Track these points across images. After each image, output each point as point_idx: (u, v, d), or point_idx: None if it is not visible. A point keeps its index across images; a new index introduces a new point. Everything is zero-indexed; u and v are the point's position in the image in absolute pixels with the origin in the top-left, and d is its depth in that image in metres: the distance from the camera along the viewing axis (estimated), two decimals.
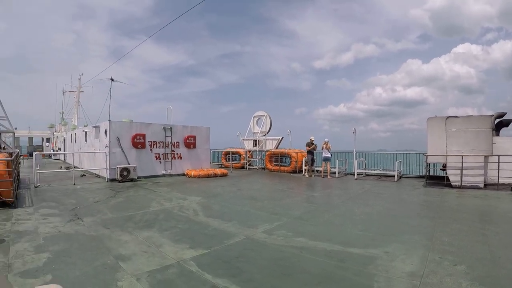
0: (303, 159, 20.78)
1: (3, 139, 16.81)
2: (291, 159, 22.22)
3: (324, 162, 19.35)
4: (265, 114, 25.47)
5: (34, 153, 16.55)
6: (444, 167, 15.55)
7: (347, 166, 21.62)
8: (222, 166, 25.77)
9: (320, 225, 7.98)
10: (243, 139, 26.58)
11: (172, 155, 19.19)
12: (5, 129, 15.58)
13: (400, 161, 19.24)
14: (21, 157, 24.23)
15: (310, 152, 19.57)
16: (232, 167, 24.23)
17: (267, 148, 24.70)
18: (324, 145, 19.18)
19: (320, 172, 19.82)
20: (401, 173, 19.24)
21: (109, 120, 17.04)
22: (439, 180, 15.43)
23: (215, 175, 18.88)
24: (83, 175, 18.80)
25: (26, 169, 22.41)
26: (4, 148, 13.98)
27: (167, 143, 18.94)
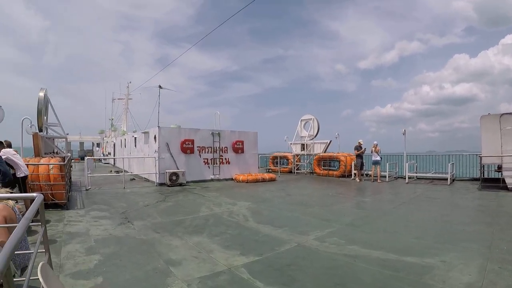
0: (352, 163, 20.38)
1: (56, 144, 17.51)
2: (339, 163, 21.86)
3: (374, 166, 18.86)
4: (313, 117, 25.24)
5: (86, 158, 17.18)
6: (499, 168, 14.60)
7: (397, 170, 20.97)
8: (270, 170, 25.67)
9: (373, 232, 7.62)
10: (291, 143, 26.42)
11: (221, 160, 19.30)
12: (58, 135, 16.25)
13: (453, 163, 18.38)
14: (72, 160, 25.28)
15: (359, 156, 19.14)
16: (280, 172, 24.11)
17: (315, 152, 24.39)
18: (373, 148, 18.69)
19: (370, 176, 19.30)
20: (454, 175, 18.37)
21: (158, 126, 17.41)
22: (494, 183, 14.51)
23: (263, 180, 18.77)
24: (132, 179, 19.26)
25: (77, 172, 23.37)
26: (57, 153, 14.59)
27: (215, 148, 19.07)
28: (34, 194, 3.49)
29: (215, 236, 7.29)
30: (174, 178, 16.52)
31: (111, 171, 24.65)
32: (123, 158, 23.58)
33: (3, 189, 4.22)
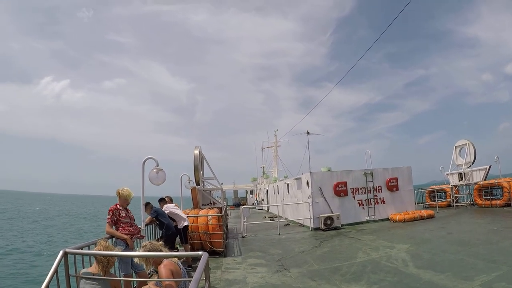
0: None
1: (212, 194, 18.97)
2: (502, 190, 19.90)
3: None
4: (467, 142, 23.39)
5: (242, 207, 18.35)
6: None
7: None
8: (427, 206, 24.13)
9: None
10: (447, 174, 24.71)
11: (375, 200, 18.80)
12: (214, 187, 17.65)
13: None
14: (228, 208, 27.15)
15: None
16: (438, 206, 22.44)
17: (474, 180, 22.50)
18: None
19: None
20: None
21: (310, 172, 17.91)
22: None
23: (421, 218, 17.70)
24: (287, 225, 19.88)
25: (233, 219, 25.26)
26: (214, 204, 15.83)
27: (369, 189, 18.70)
28: (200, 253, 4.03)
29: (373, 284, 7.17)
30: (329, 222, 16.56)
31: (265, 217, 25.77)
32: (277, 205, 24.46)
33: (161, 243, 4.91)
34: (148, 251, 4.67)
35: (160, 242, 4.94)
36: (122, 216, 6.52)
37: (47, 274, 4.03)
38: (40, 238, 32.44)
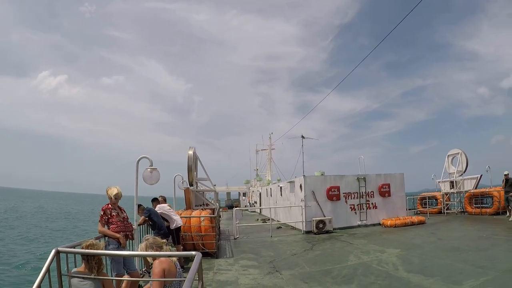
0: (505, 197, 18.22)
1: (205, 195, 18.90)
2: (492, 199, 20.11)
3: None
4: (460, 151, 23.67)
5: (234, 209, 18.41)
6: None
7: None
8: (419, 212, 24.31)
9: None
10: (439, 181, 24.99)
11: (367, 205, 18.83)
12: (207, 188, 17.56)
13: None
14: (220, 210, 27.09)
15: (507, 190, 17.30)
16: (429, 213, 22.55)
17: (465, 188, 22.77)
18: None
19: None
20: None
21: (304, 175, 17.96)
22: None
23: (412, 224, 17.75)
24: (279, 228, 19.84)
25: (225, 221, 25.28)
26: (207, 205, 15.74)
27: (361, 194, 18.74)
28: (193, 253, 4.02)
29: (364, 286, 7.23)
30: (321, 225, 16.53)
31: (257, 220, 25.72)
32: (270, 208, 24.41)
33: (163, 242, 4.83)
34: (150, 244, 4.61)
35: (163, 240, 4.89)
36: (113, 215, 6.43)
37: (39, 273, 3.96)
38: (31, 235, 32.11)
